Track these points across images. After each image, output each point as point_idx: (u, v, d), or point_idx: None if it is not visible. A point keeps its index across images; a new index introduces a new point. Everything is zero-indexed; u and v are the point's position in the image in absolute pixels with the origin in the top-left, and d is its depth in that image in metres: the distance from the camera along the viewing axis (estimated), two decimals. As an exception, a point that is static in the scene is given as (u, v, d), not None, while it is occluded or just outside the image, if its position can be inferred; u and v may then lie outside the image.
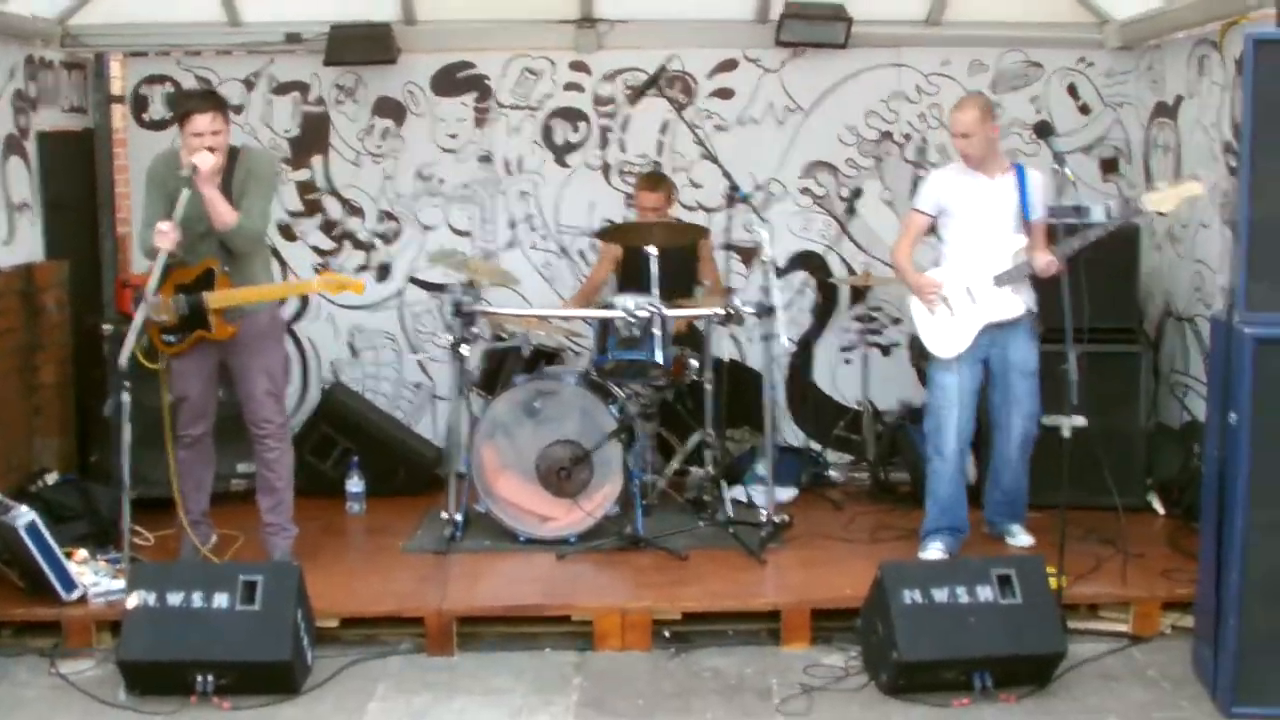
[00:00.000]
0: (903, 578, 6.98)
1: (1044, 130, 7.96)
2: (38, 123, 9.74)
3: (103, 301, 10.69)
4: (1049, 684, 6.94)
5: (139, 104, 10.54)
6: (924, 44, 10.30)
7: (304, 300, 10.48)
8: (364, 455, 9.77)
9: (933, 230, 8.46)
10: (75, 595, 7.70)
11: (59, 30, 10.05)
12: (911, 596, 6.88)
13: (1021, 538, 8.51)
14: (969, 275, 8.30)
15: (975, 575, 7.00)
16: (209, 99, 7.98)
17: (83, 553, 8.07)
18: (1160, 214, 8.14)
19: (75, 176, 10.47)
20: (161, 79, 10.47)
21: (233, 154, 7.98)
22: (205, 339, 7.96)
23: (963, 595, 6.92)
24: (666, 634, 7.64)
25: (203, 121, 7.76)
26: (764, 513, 8.76)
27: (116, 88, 10.85)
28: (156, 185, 7.93)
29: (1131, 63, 10.20)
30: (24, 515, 7.59)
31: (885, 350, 10.44)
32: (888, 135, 10.39)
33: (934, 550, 8.41)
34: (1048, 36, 10.21)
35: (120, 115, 10.85)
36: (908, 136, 10.37)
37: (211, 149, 7.71)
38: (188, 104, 7.97)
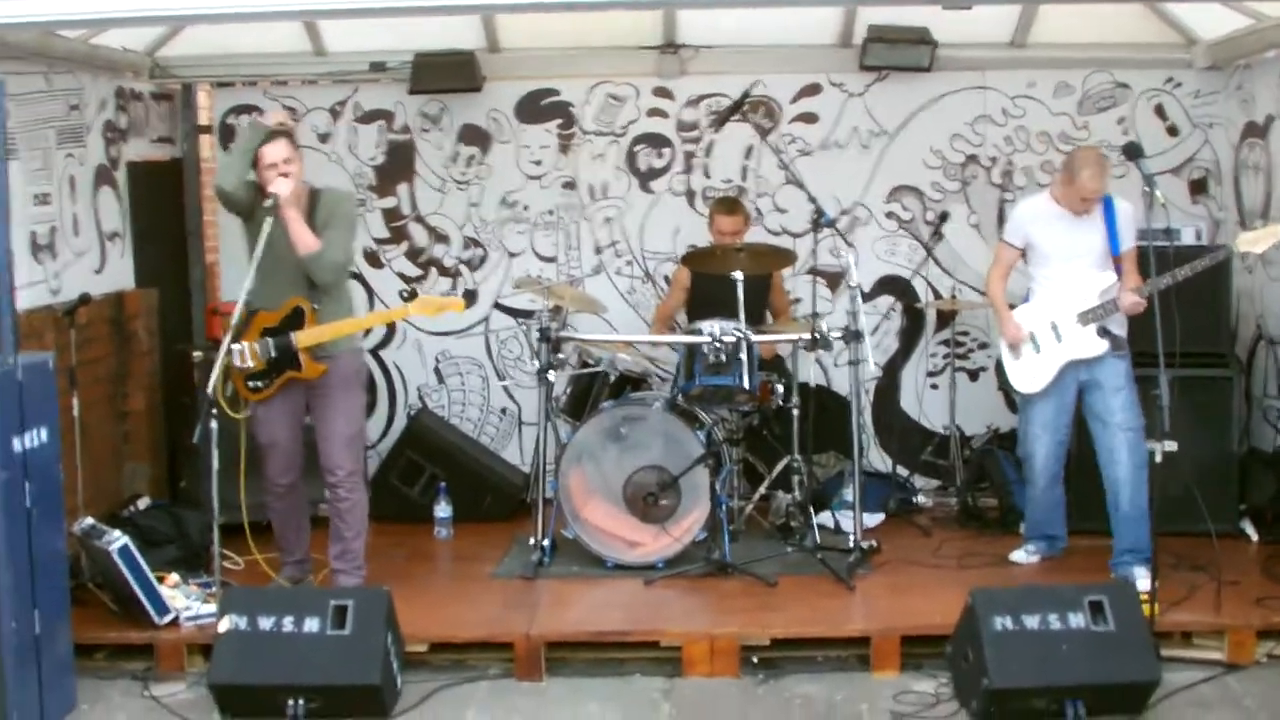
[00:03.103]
0: (993, 604, 6.91)
1: (1132, 152, 7.88)
2: (127, 153, 9.89)
3: (191, 329, 10.79)
4: (1142, 713, 6.86)
5: (226, 134, 10.62)
6: (1009, 66, 10.24)
7: (390, 327, 10.52)
8: (451, 481, 9.79)
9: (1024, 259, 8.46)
10: (167, 619, 7.77)
11: (148, 62, 10.18)
12: (1002, 623, 6.82)
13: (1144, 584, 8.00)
14: (1055, 311, 8.28)
15: (1067, 602, 6.91)
16: (278, 132, 8.02)
17: (174, 577, 8.14)
18: (1254, 254, 8.12)
19: (164, 206, 10.59)
20: (248, 109, 10.54)
21: (314, 195, 8.07)
22: (295, 379, 7.99)
23: (1054, 622, 6.84)
24: (755, 660, 7.60)
25: (272, 152, 7.86)
26: (852, 538, 8.72)
27: (204, 118, 10.97)
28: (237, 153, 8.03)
29: (1220, 82, 10.09)
30: (117, 540, 7.65)
31: (973, 375, 10.37)
32: (973, 158, 10.32)
33: (1024, 552, 8.60)
34: (1134, 57, 10.12)
35: (208, 145, 10.98)
36: (994, 159, 10.30)
37: (286, 175, 7.80)
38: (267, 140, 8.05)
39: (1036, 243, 8.37)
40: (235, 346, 7.80)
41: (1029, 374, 8.43)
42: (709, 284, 9.23)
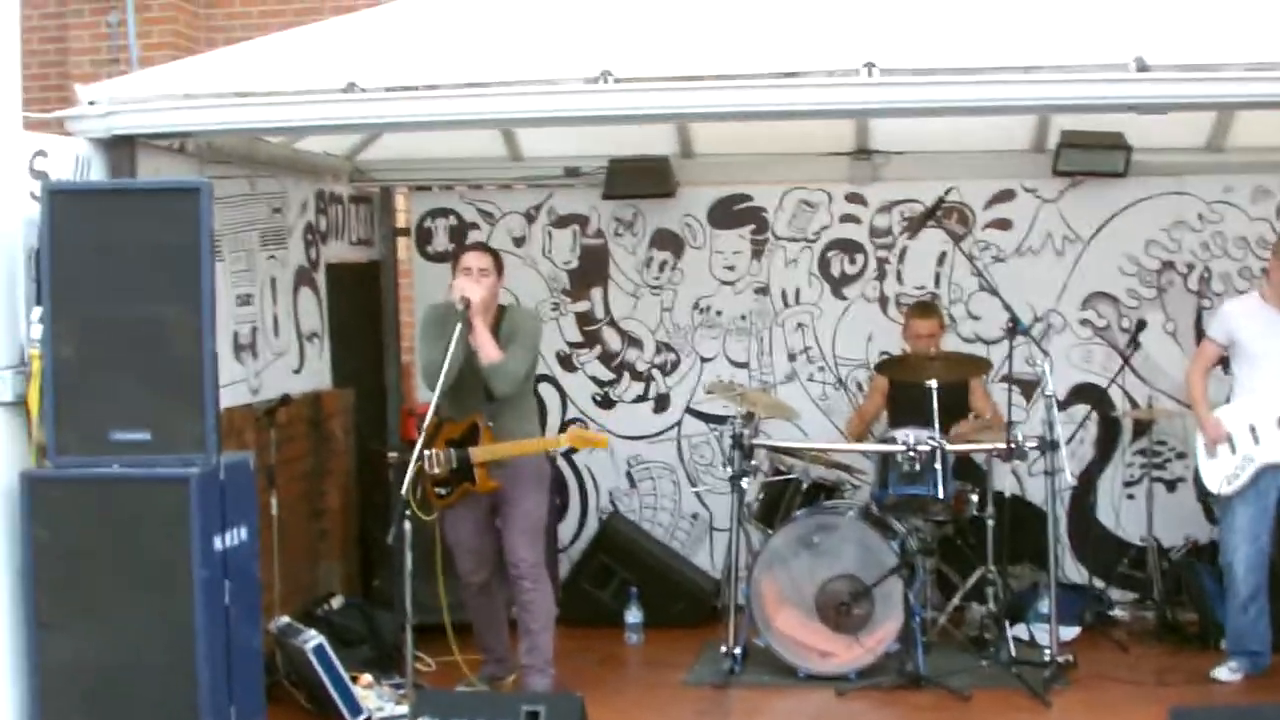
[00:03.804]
0: (1196, 724, 6.79)
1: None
2: (327, 254, 10.04)
3: (387, 429, 10.91)
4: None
5: (423, 236, 10.81)
6: (1205, 171, 10.07)
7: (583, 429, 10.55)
8: (642, 585, 9.79)
9: (1224, 362, 8.34)
10: (361, 719, 7.83)
11: (348, 166, 10.37)
12: (1205, 744, 6.70)
13: None
14: (1254, 413, 8.17)
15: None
16: (482, 244, 8.36)
17: (367, 677, 8.23)
18: None
19: (361, 307, 10.74)
20: (445, 212, 10.73)
21: (501, 310, 8.22)
22: (471, 491, 8.11)
23: (1259, 742, 6.72)
24: (950, 774, 7.53)
25: (472, 258, 8.07)
26: (1047, 652, 8.58)
27: (401, 220, 11.17)
28: (432, 326, 8.17)
29: None
30: (312, 639, 7.76)
31: (1170, 485, 10.16)
32: (1169, 265, 10.17)
33: (1227, 669, 8.39)
34: (1335, 162, 9.96)
35: (404, 247, 11.15)
36: (1190, 266, 10.13)
37: (477, 282, 7.95)
38: (461, 249, 8.32)
39: (1241, 340, 8.29)
40: (426, 452, 7.91)
41: (1223, 475, 8.31)
42: (906, 390, 9.20)
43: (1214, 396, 8.56)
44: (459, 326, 7.77)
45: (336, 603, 9.18)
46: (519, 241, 10.52)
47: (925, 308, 9.68)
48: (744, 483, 8.83)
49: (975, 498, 8.92)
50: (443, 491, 8.13)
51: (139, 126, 7.28)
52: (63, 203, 6.48)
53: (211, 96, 7.32)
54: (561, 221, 10.66)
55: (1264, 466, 8.20)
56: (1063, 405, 9.87)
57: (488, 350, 7.93)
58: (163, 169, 7.66)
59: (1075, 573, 10.20)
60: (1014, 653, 8.63)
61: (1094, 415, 10.17)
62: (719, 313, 10.54)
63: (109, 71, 12.43)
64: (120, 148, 7.28)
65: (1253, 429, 8.21)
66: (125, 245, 6.46)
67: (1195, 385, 8.53)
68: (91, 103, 7.19)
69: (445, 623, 8.18)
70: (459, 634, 8.22)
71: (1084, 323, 10.26)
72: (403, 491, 7.46)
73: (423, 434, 7.79)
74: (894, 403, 9.65)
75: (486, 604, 8.45)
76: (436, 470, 8.03)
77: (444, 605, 8.14)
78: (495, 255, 8.24)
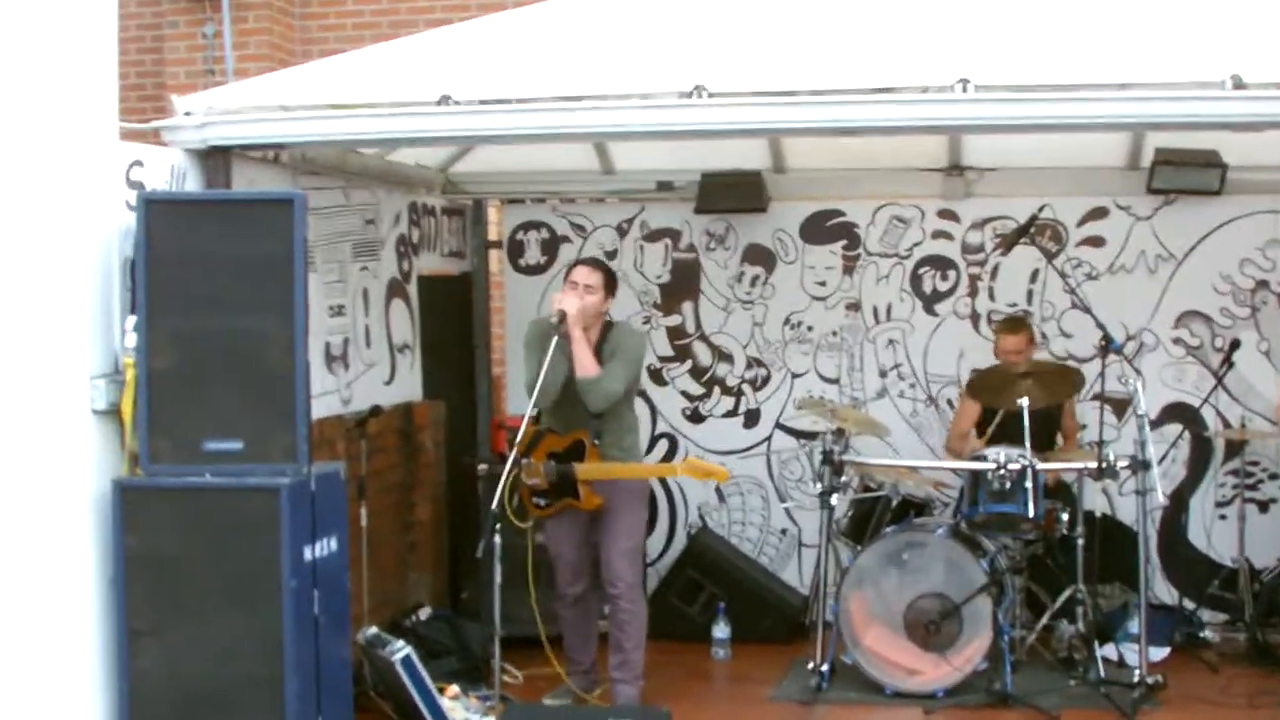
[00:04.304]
0: (1288, 748, 6.73)
1: None
2: (419, 266, 10.10)
3: (477, 441, 10.95)
4: None
5: (515, 249, 10.85)
6: (1302, 190, 10.01)
7: (672, 443, 10.60)
8: (730, 601, 9.78)
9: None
10: (448, 731, 7.86)
11: (441, 178, 10.43)
12: (1297, 767, 6.64)
13: None
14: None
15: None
16: (595, 260, 8.43)
17: (455, 688, 8.23)
18: None
19: (453, 319, 10.80)
20: (537, 225, 10.78)
21: (607, 326, 8.26)
22: (573, 507, 8.14)
23: (1352, 767, 6.65)
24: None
25: (580, 272, 8.14)
26: (1137, 673, 8.49)
27: (493, 233, 11.23)
28: (534, 340, 8.18)
29: None
30: (400, 650, 7.76)
31: (1263, 506, 10.04)
32: (1264, 284, 10.06)
33: None
34: None
35: (496, 260, 11.22)
36: (1286, 285, 10.08)
37: (580, 297, 7.99)
38: (576, 261, 8.37)
39: None
40: (524, 461, 7.98)
41: None
42: (998, 412, 9.21)
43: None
44: (555, 340, 7.82)
45: (424, 614, 9.22)
46: (611, 255, 10.52)
47: (1014, 323, 9.62)
48: (833, 499, 8.81)
49: (1065, 516, 8.85)
50: (541, 502, 8.20)
51: (234, 137, 7.35)
52: (158, 212, 6.54)
53: (306, 108, 7.38)
54: (653, 235, 10.68)
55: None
56: (1155, 424, 9.77)
57: (584, 364, 7.99)
58: (257, 180, 7.74)
59: (1165, 593, 10.12)
60: (1103, 673, 8.57)
61: (1186, 435, 10.10)
62: (810, 328, 10.53)
63: (204, 82, 12.53)
64: (215, 158, 7.36)
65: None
66: (219, 255, 6.52)
67: None
68: (187, 113, 7.27)
69: (540, 635, 8.26)
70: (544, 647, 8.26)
71: (1177, 341, 10.17)
72: (494, 505, 7.50)
73: (519, 441, 7.86)
74: (989, 418, 9.59)
75: (580, 616, 8.50)
76: (535, 480, 8.07)
77: (537, 617, 8.21)
78: (606, 272, 8.29)
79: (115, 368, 6.58)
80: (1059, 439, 9.62)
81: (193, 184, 7.27)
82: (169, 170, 7.15)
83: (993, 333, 9.79)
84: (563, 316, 7.90)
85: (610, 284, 8.25)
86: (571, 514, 8.20)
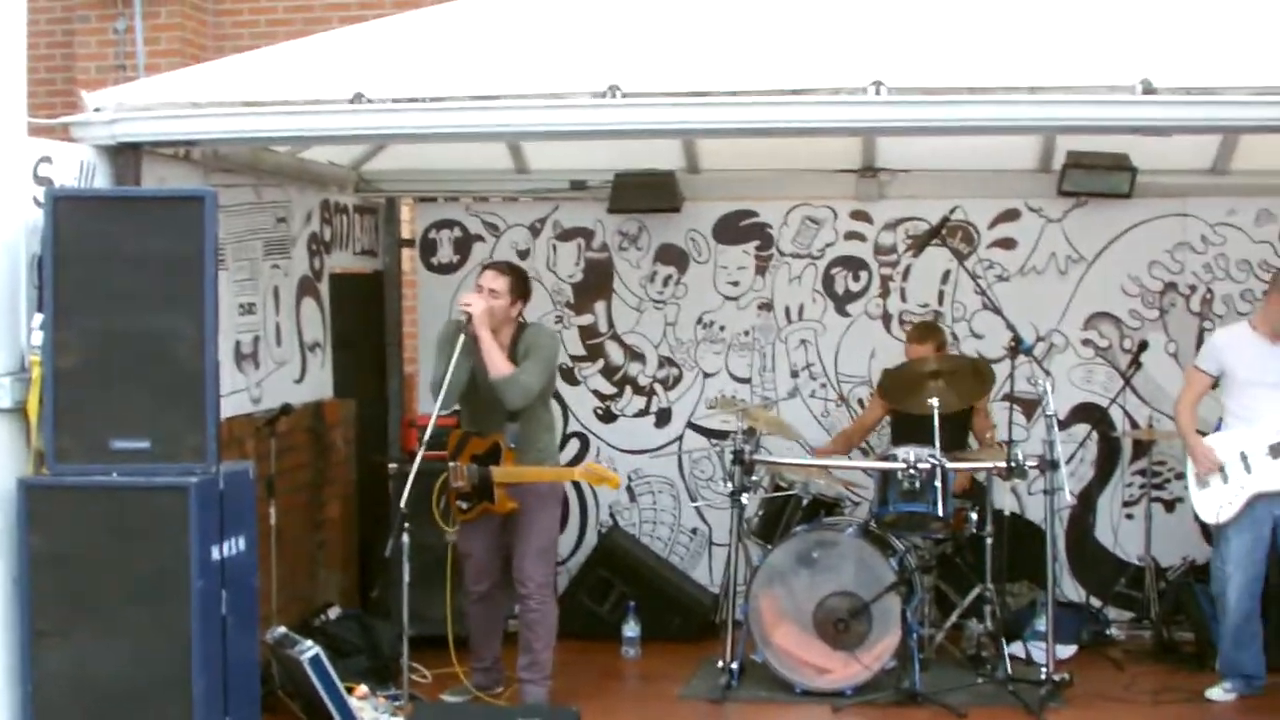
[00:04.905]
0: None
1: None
2: (330, 265, 10.05)
3: (388, 440, 10.90)
4: None
5: (427, 248, 10.82)
6: (1209, 193, 10.08)
7: (583, 443, 10.61)
8: (640, 600, 9.78)
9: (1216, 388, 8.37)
10: (356, 731, 7.83)
11: (353, 176, 10.38)
12: (1200, 766, 6.71)
13: None
14: (1245, 442, 8.22)
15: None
16: (504, 264, 8.46)
17: (363, 688, 8.20)
18: None
19: (365, 317, 10.76)
20: (450, 224, 10.75)
21: (521, 326, 8.30)
22: (489, 511, 8.17)
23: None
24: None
25: (486, 276, 8.22)
26: (1044, 670, 8.54)
27: (406, 231, 11.19)
28: (443, 342, 8.19)
29: None
30: (309, 649, 7.73)
31: (1169, 506, 10.13)
32: (1172, 286, 10.17)
33: (1221, 690, 8.43)
34: (1340, 186, 9.96)
35: (409, 258, 11.16)
36: (1193, 288, 10.14)
37: (486, 300, 8.03)
38: (486, 264, 8.46)
39: (1231, 370, 8.34)
40: (451, 464, 8.06)
41: (1214, 505, 8.36)
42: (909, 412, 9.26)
43: (1204, 414, 8.62)
44: (461, 339, 7.84)
45: (333, 613, 9.19)
46: (523, 254, 10.50)
47: (922, 330, 9.72)
48: (744, 498, 8.83)
49: (974, 515, 8.92)
50: (464, 505, 8.22)
51: (144, 134, 7.30)
52: (66, 209, 6.50)
53: (218, 105, 7.34)
54: (566, 235, 10.67)
55: (1256, 495, 8.24)
56: (1063, 425, 9.86)
57: (496, 364, 7.99)
58: (167, 177, 7.70)
59: (1073, 591, 10.21)
60: (1010, 671, 8.61)
61: (1094, 435, 10.18)
62: (722, 328, 10.55)
63: (115, 78, 12.45)
64: (125, 155, 7.30)
65: (1244, 457, 8.25)
66: (128, 253, 6.48)
67: (1185, 416, 8.58)
68: (97, 109, 7.21)
69: (448, 635, 8.24)
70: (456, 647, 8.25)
71: (1086, 343, 10.27)
72: (401, 504, 7.50)
73: (449, 444, 8.01)
74: (899, 419, 9.65)
75: (485, 613, 8.49)
76: (460, 484, 8.10)
77: (449, 617, 8.22)
78: (516, 276, 8.29)
79: (21, 366, 6.54)
80: (971, 440, 9.67)
81: (102, 181, 7.20)
82: (78, 167, 7.08)
83: (906, 337, 9.85)
84: (469, 317, 7.92)
85: (520, 287, 8.26)
86: (486, 516, 8.21)
